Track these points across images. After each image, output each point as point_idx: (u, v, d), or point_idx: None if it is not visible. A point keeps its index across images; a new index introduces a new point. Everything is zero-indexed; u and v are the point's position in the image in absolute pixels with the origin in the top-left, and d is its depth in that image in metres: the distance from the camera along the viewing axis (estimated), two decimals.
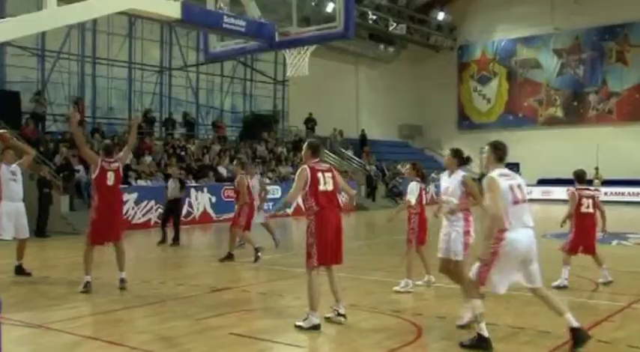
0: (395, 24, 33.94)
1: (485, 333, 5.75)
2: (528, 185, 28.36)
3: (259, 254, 11.59)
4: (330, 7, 24.22)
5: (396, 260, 11.80)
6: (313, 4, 25.63)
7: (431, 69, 38.86)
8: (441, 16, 37.45)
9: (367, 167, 31.08)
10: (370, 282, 9.08)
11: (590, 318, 6.97)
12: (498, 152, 6.01)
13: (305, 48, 8.27)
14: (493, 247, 5.68)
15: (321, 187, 6.70)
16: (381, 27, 33.68)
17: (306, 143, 7.04)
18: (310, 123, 31.96)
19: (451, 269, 7.10)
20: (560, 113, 35.61)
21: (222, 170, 23.74)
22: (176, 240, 15.06)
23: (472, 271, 5.84)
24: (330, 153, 30.74)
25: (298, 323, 6.67)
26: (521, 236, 5.74)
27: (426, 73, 38.98)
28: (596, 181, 31.20)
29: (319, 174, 6.74)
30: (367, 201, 28.31)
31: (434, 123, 39.38)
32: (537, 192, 32.85)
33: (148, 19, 12.40)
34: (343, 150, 32.04)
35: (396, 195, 30.80)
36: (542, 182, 33.31)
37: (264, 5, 8.35)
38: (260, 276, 10.39)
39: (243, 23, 7.25)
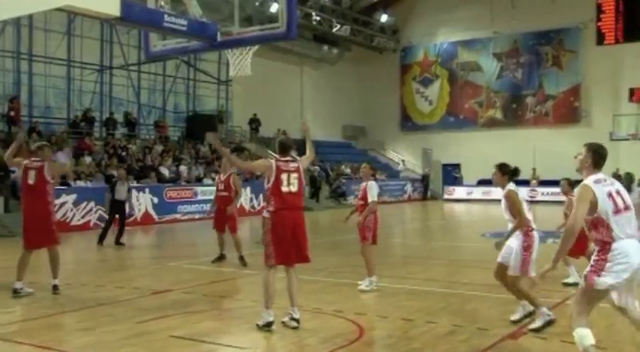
0: (339, 25, 34.14)
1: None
2: (468, 185, 29.25)
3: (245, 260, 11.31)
4: (274, 8, 24.19)
5: (338, 260, 11.90)
6: (257, 4, 25.52)
7: (374, 70, 39.25)
8: (384, 18, 37.85)
9: (311, 168, 31.12)
10: (312, 282, 9.09)
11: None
12: (596, 157, 4.92)
13: (247, 48, 8.23)
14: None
15: (284, 188, 6.62)
16: (325, 28, 33.84)
17: (277, 141, 7.06)
18: (254, 123, 31.85)
19: (505, 278, 6.79)
20: (499, 115, 36.45)
21: (164, 170, 23.42)
22: (120, 240, 14.86)
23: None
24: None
25: (258, 323, 6.64)
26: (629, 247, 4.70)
27: (369, 74, 39.35)
28: (534, 182, 32.14)
29: (284, 175, 6.66)
30: (311, 201, 28.37)
31: (377, 124, 39.79)
32: (477, 193, 33.58)
33: (87, 17, 12.12)
34: None
35: (340, 195, 30.98)
36: (482, 182, 34.02)
37: (207, 4, 8.27)
38: (202, 278, 10.29)
39: (184, 22, 7.16)
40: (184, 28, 7.06)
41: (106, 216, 15.85)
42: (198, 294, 8.84)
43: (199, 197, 22.73)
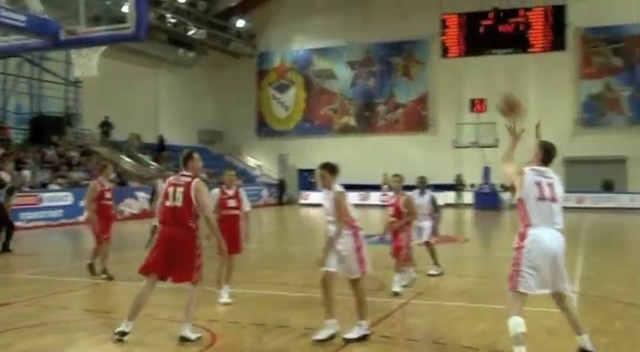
0: (195, 29, 33.67)
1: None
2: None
3: None
4: (125, 8, 23.41)
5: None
6: (108, 2, 24.55)
7: (231, 75, 39.12)
8: (240, 23, 37.83)
9: (165, 173, 30.39)
10: (162, 291, 8.85)
11: (376, 315, 7.39)
12: (544, 153, 5.65)
13: (94, 48, 7.88)
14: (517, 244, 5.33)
15: (169, 203, 6.39)
16: (181, 31, 33.25)
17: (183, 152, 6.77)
18: (106, 126, 30.60)
19: (329, 285, 6.56)
20: (353, 122, 37.61)
21: (4, 175, 21.86)
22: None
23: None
24: (127, 158, 29.66)
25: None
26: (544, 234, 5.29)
27: (226, 79, 39.15)
28: (385, 186, 33.41)
29: (170, 189, 6.43)
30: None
31: (234, 129, 39.67)
32: None
33: None
34: (141, 155, 31.04)
35: None
36: None
37: (51, 0, 7.84)
38: (44, 289, 9.70)
39: (23, 18, 6.73)
40: (23, 24, 6.64)
41: None
42: (38, 307, 8.33)
43: (45, 203, 21.45)
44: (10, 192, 14.95)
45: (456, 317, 7.49)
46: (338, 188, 6.59)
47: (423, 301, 8.46)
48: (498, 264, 12.54)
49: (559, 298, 5.45)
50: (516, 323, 5.14)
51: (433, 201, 10.73)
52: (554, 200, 5.40)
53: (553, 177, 5.54)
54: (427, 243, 10.58)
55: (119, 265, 10.84)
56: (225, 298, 8.28)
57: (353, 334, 6.37)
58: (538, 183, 5.42)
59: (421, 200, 10.51)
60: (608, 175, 31.74)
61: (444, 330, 6.82)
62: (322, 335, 6.34)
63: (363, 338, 6.34)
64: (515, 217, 6.36)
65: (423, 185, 10.79)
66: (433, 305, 8.25)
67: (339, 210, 6.41)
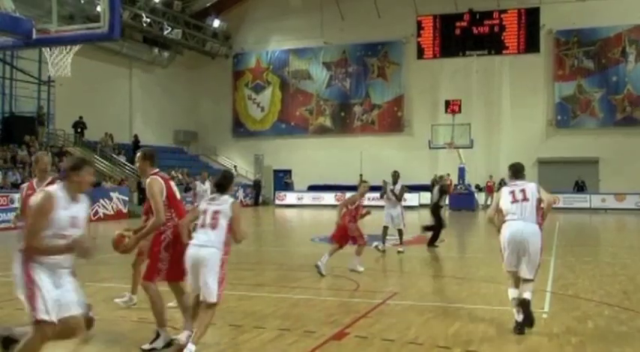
0: (170, 28, 33.47)
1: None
2: (299, 191, 29.74)
3: None
4: (100, 7, 23.18)
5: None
6: (82, 1, 24.26)
7: (207, 75, 38.97)
8: (216, 23, 37.71)
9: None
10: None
11: (352, 316, 7.43)
12: (512, 171, 7.28)
13: (68, 47, 7.77)
14: None
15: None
16: (156, 30, 33.03)
17: (140, 152, 6.50)
18: (79, 126, 30.28)
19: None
20: (329, 123, 37.65)
21: None
22: None
23: None
24: (101, 159, 29.35)
25: None
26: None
27: (201, 79, 38.99)
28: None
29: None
30: (140, 208, 27.45)
31: (210, 130, 39.53)
32: (308, 198, 34.38)
33: None
34: (115, 156, 30.76)
35: None
36: (313, 188, 34.92)
37: None
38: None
39: None
40: None
41: None
42: (11, 309, 8.19)
43: (16, 204, 21.13)
44: None
45: (432, 317, 7.53)
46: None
47: (399, 301, 8.49)
48: (473, 264, 12.66)
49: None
50: (510, 294, 6.96)
51: (402, 191, 13.76)
52: (525, 199, 6.92)
53: (525, 184, 7.08)
54: (399, 231, 13.70)
55: (91, 267, 10.71)
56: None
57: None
58: (511, 193, 7.01)
59: (395, 189, 13.66)
60: (581, 176, 32.16)
61: (419, 330, 6.85)
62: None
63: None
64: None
65: (395, 178, 13.88)
66: (408, 305, 8.28)
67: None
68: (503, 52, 34.23)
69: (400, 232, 13.74)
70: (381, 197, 14.05)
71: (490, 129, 33.96)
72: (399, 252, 13.38)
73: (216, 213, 5.92)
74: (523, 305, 6.65)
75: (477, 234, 21.35)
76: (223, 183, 6.19)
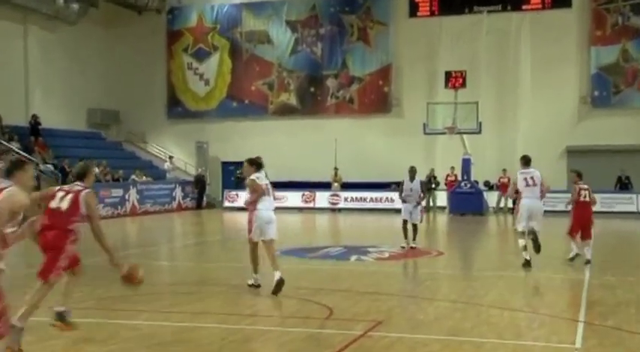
0: None
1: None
2: None
3: None
4: None
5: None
6: None
7: (131, 36, 38.55)
8: None
9: (41, 166, 29.70)
10: None
11: None
12: (523, 161, 14.42)
13: None
14: None
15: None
16: None
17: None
18: None
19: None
20: (294, 100, 37.57)
21: None
22: None
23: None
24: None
25: None
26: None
27: (124, 41, 38.60)
28: (335, 185, 33.61)
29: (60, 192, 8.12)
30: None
31: (136, 109, 39.09)
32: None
33: None
34: (5, 142, 30.19)
35: None
36: (273, 186, 34.77)
37: None
38: None
39: None
40: None
41: None
42: None
43: None
44: None
45: None
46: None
47: (384, 333, 8.56)
48: (480, 286, 12.75)
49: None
50: (520, 243, 14.12)
51: (421, 186, 17.94)
52: (534, 185, 13.95)
53: (533, 171, 14.13)
54: (415, 226, 17.42)
55: None
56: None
57: None
58: (524, 179, 13.99)
59: (413, 186, 17.50)
60: (625, 170, 31.88)
61: None
62: None
63: None
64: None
65: (413, 173, 17.69)
66: (396, 338, 8.36)
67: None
68: (523, 7, 34.38)
69: (415, 227, 17.47)
70: (400, 196, 17.81)
71: (504, 110, 34.12)
72: (412, 247, 17.31)
73: None
74: (532, 233, 13.70)
75: (486, 245, 21.48)
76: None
